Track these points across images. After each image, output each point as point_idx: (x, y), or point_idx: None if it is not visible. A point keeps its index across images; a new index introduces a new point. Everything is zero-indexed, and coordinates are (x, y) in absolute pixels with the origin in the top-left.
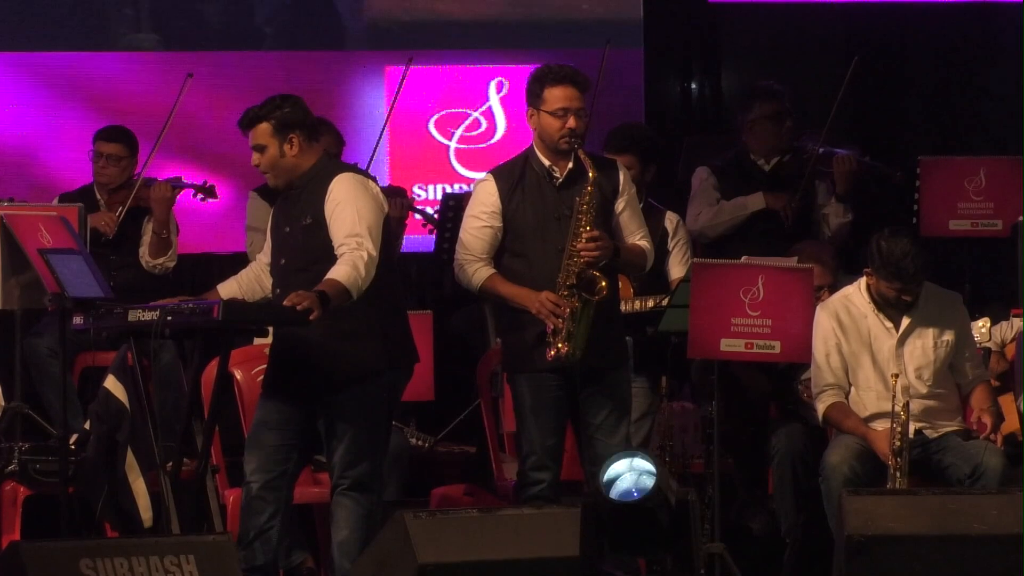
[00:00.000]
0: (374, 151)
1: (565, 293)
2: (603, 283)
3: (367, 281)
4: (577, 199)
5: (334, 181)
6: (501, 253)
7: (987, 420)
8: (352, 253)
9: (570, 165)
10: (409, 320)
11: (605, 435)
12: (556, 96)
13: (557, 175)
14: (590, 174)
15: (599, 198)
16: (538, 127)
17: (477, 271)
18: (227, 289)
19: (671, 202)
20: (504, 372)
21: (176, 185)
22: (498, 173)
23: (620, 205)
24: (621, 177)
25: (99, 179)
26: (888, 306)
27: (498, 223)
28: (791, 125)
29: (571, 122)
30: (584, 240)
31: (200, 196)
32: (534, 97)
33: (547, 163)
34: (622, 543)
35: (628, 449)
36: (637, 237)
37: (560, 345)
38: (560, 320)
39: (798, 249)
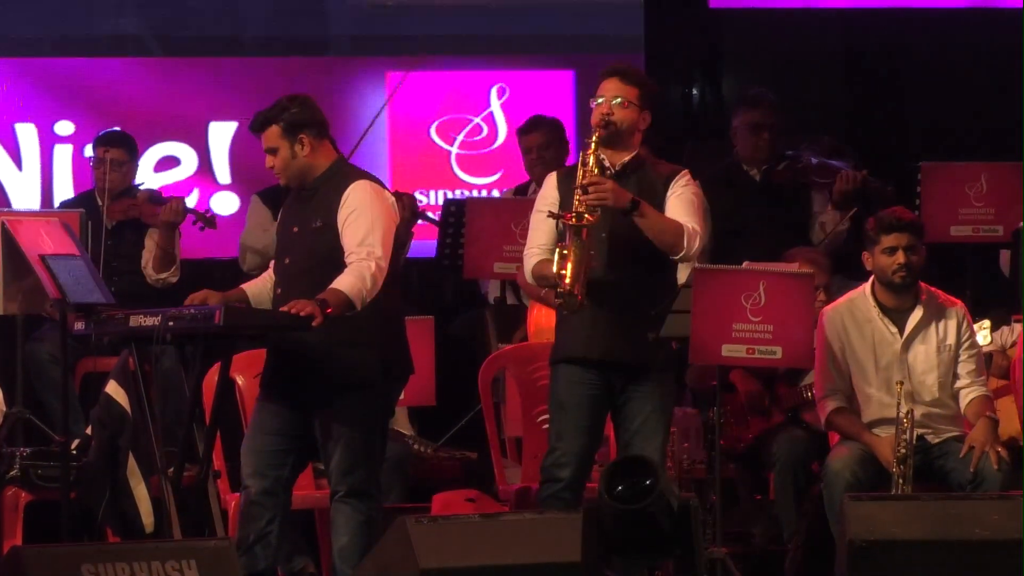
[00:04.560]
0: (387, 159)
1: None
2: (590, 217)
3: (373, 293)
4: (581, 153)
5: (351, 187)
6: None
7: (975, 448)
8: (361, 264)
9: (626, 158)
10: (406, 330)
11: (643, 439)
12: (599, 88)
13: (609, 166)
14: (590, 140)
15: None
16: None
17: (531, 260)
18: (254, 289)
19: None
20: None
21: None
22: (561, 167)
23: (670, 198)
24: (680, 178)
25: (100, 184)
26: (894, 290)
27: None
28: (768, 137)
29: (603, 107)
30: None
31: (200, 225)
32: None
33: (602, 155)
34: (624, 548)
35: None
36: (681, 220)
37: (564, 284)
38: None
39: (791, 255)
